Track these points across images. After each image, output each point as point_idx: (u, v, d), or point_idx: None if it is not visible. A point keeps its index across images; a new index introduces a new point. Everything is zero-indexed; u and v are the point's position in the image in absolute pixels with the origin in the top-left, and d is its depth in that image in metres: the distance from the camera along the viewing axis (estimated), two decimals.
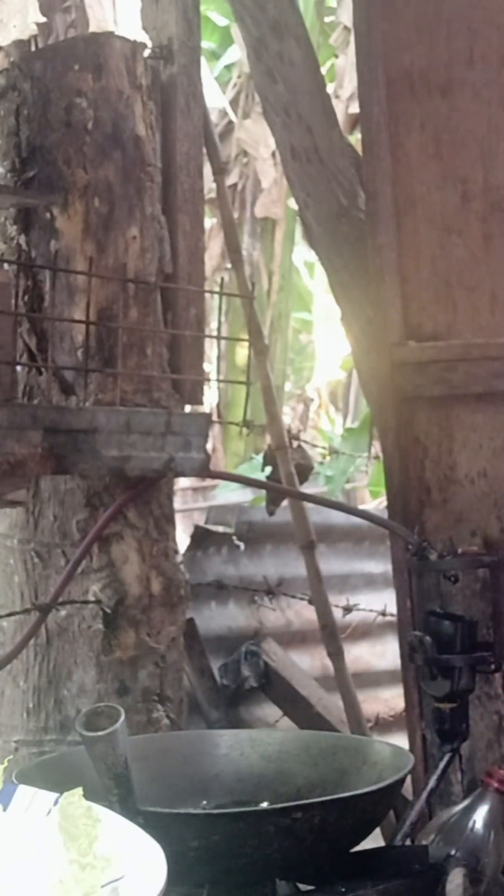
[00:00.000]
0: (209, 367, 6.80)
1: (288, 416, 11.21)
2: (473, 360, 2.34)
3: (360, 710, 2.95)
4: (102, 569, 2.26)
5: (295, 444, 3.01)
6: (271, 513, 2.96)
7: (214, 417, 5.46)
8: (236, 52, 8.10)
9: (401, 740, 2.40)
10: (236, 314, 5.92)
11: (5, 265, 2.26)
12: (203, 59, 2.71)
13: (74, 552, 2.22)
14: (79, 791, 1.23)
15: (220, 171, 2.82)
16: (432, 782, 1.95)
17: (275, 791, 1.80)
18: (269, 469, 2.93)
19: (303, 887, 1.60)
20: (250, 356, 2.74)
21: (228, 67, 8.73)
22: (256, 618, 3.25)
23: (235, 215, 7.45)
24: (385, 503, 2.60)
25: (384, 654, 3.50)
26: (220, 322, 3.74)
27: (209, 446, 2.31)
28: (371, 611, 3.30)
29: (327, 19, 7.27)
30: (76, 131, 2.26)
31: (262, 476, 2.97)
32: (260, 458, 3.19)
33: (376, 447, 2.98)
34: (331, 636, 2.96)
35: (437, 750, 2.00)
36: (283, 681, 3.10)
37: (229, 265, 3.48)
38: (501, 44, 2.37)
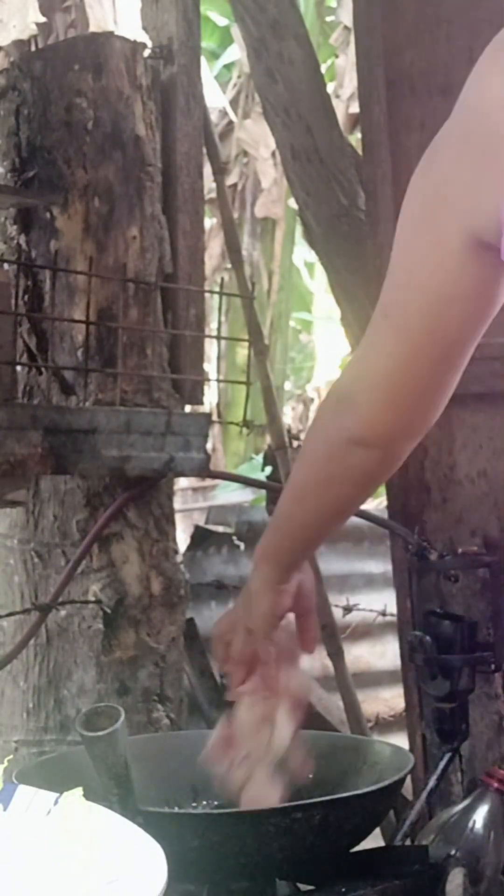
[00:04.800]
0: (209, 367, 6.79)
1: (288, 416, 11.20)
2: (473, 360, 2.33)
3: (360, 710, 2.95)
4: (102, 569, 2.26)
5: (295, 444, 3.01)
6: (271, 513, 2.95)
7: (214, 417, 5.46)
8: (236, 52, 8.11)
9: (401, 740, 2.39)
10: (236, 314, 5.92)
11: (5, 265, 2.26)
12: (203, 59, 2.70)
13: (74, 552, 2.22)
14: (79, 791, 1.23)
15: (220, 171, 2.82)
16: (432, 782, 1.95)
17: None
18: (269, 469, 2.93)
19: (303, 887, 1.60)
20: (250, 356, 2.74)
21: (228, 67, 8.75)
22: None
23: (235, 215, 7.45)
24: (385, 503, 2.60)
25: (384, 654, 3.50)
26: (220, 322, 3.72)
27: (209, 446, 2.31)
28: (371, 611, 3.29)
29: (327, 19, 7.28)
30: (76, 131, 2.26)
31: (262, 476, 2.97)
32: (260, 458, 3.18)
33: None
34: (331, 636, 2.95)
35: (437, 750, 2.00)
36: None
37: (229, 265, 3.47)
38: None
